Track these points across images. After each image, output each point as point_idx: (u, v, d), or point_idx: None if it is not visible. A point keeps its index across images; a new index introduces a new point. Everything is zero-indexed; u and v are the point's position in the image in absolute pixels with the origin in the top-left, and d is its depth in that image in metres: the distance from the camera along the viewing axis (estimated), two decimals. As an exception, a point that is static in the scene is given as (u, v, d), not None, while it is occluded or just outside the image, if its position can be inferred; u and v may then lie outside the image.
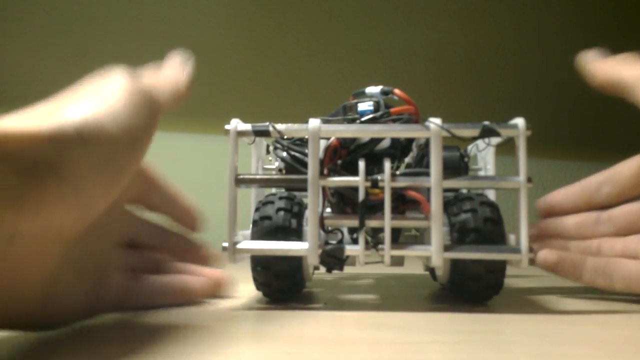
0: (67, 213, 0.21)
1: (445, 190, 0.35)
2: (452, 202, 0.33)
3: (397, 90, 0.34)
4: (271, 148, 0.37)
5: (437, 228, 0.30)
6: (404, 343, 0.24)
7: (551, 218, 0.39)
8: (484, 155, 0.41)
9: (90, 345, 0.23)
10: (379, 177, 0.31)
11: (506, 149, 0.37)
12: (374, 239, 0.31)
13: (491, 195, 0.40)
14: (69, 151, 0.21)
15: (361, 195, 0.31)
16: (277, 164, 0.36)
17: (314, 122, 0.31)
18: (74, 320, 0.26)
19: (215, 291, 0.35)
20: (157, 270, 0.33)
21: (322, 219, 0.31)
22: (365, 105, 0.33)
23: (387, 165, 0.31)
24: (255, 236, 0.32)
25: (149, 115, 0.26)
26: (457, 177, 0.32)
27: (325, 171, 0.32)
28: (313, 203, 0.31)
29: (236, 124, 0.32)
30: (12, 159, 0.19)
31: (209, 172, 0.84)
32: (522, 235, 0.31)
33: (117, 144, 0.23)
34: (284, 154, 0.35)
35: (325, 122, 0.32)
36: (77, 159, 0.21)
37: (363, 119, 0.33)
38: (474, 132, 0.32)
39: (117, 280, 0.30)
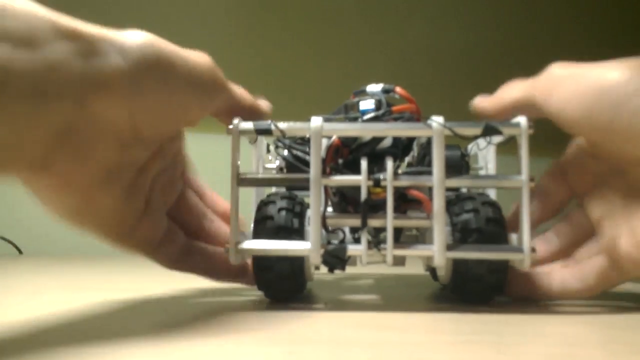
0: (122, 112, 0.24)
1: (447, 189, 0.35)
2: (454, 202, 0.33)
3: (398, 89, 0.34)
4: (272, 147, 0.37)
5: (440, 228, 0.30)
6: (405, 343, 0.24)
7: None
8: (485, 154, 0.41)
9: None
10: (381, 176, 0.31)
11: (507, 148, 0.37)
12: (376, 239, 0.31)
13: (492, 194, 0.40)
14: (133, 61, 0.24)
15: (363, 195, 0.31)
16: (277, 163, 0.35)
17: (317, 121, 0.31)
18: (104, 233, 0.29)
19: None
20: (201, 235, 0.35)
21: (324, 219, 0.31)
22: (367, 104, 0.33)
23: (389, 164, 0.31)
24: (257, 236, 0.32)
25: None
26: (459, 176, 0.32)
27: (327, 170, 0.32)
28: (315, 202, 0.30)
29: (238, 122, 0.32)
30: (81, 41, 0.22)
31: (209, 171, 0.83)
32: (524, 235, 0.31)
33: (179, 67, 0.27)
34: (285, 152, 0.35)
35: (327, 120, 0.32)
36: (141, 68, 0.25)
37: (365, 117, 0.33)
38: (477, 130, 0.32)
39: (158, 232, 0.32)
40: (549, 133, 0.38)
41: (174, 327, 0.26)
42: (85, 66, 0.22)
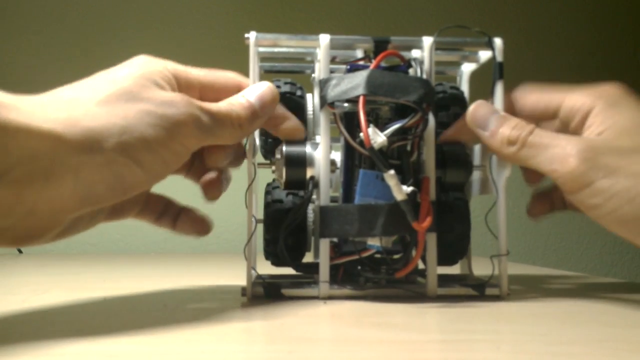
0: (73, 201, 0.26)
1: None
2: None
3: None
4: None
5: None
6: (404, 342, 0.24)
7: None
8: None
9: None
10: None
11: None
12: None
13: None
14: (78, 156, 0.25)
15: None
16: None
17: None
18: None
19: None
20: None
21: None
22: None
23: None
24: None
25: (168, 135, 0.28)
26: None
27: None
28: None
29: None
30: (33, 154, 0.24)
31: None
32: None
33: (126, 157, 0.27)
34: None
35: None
36: (84, 163, 0.26)
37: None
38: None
39: None
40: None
41: (174, 327, 0.26)
42: None
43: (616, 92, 0.33)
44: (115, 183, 0.27)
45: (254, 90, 0.33)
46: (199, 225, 0.36)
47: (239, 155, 0.36)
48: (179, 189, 0.40)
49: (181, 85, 0.32)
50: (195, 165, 0.36)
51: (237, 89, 0.34)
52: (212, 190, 0.35)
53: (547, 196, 0.40)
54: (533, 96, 0.35)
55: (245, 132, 0.32)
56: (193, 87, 0.32)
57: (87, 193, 0.26)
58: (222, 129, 0.31)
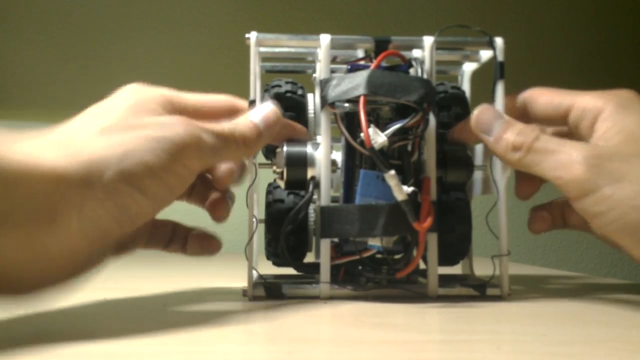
0: (81, 239, 0.25)
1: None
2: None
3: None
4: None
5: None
6: (405, 342, 0.24)
7: None
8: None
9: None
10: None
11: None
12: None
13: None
14: (78, 191, 0.25)
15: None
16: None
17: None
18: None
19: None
20: None
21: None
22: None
23: None
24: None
25: (170, 158, 0.27)
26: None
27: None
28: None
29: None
30: (38, 194, 0.24)
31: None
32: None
33: (128, 185, 0.26)
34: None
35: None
36: (86, 197, 0.25)
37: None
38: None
39: None
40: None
41: (173, 328, 0.26)
42: None
43: (628, 96, 0.33)
44: (120, 215, 0.26)
45: (258, 111, 0.33)
46: (208, 244, 0.36)
47: (242, 172, 0.36)
48: (183, 210, 0.40)
49: (175, 110, 0.31)
50: (197, 189, 0.36)
51: (231, 112, 0.34)
52: (220, 211, 0.35)
53: (547, 212, 0.40)
54: (544, 98, 0.35)
55: (251, 150, 0.32)
56: (187, 113, 0.32)
57: (94, 229, 0.26)
58: (227, 148, 0.30)
